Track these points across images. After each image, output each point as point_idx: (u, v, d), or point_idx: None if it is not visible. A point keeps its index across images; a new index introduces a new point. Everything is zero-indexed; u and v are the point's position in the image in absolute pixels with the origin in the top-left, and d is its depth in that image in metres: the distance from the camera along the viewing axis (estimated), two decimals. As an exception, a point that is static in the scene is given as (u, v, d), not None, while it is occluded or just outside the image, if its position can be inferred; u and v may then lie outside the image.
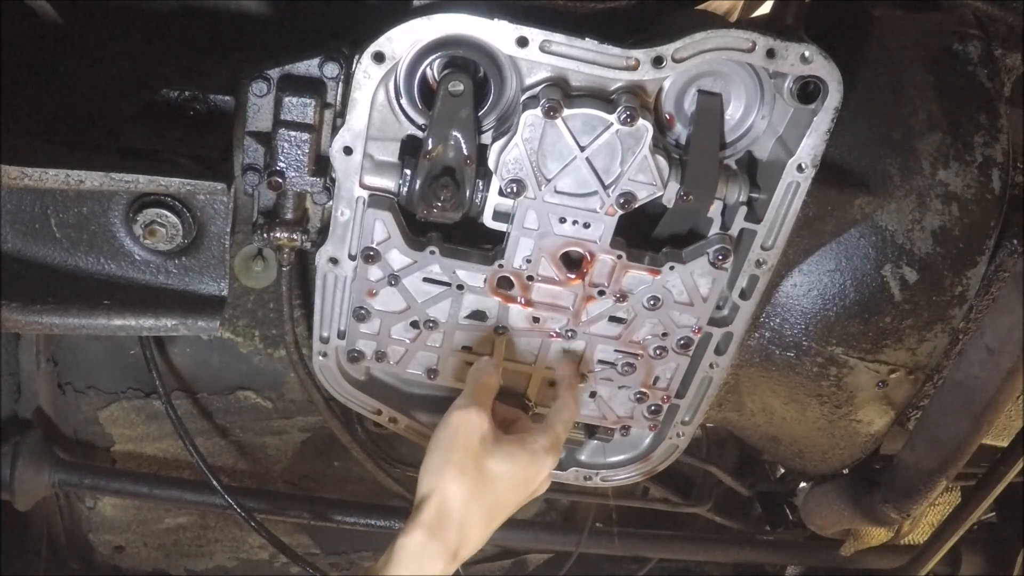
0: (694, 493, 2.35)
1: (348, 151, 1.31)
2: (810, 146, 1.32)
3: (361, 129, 1.30)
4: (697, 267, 1.41)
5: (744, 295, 1.47)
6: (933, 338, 1.52)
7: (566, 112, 1.26)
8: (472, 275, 1.42)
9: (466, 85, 1.26)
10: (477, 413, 1.29)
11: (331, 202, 1.39)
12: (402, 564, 1.18)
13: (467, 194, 1.34)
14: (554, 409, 1.42)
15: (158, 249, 1.42)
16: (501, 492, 1.27)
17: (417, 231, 1.40)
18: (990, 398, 1.49)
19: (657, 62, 1.25)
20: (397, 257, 1.40)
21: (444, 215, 1.35)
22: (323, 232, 1.43)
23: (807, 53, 1.25)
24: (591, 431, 1.66)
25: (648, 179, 1.32)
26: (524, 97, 1.29)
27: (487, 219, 1.38)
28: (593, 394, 1.58)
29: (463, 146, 1.31)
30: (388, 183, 1.35)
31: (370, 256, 1.39)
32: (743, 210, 1.38)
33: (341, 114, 1.34)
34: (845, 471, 1.84)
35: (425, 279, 1.43)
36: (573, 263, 1.42)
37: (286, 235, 1.43)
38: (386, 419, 1.62)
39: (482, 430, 1.27)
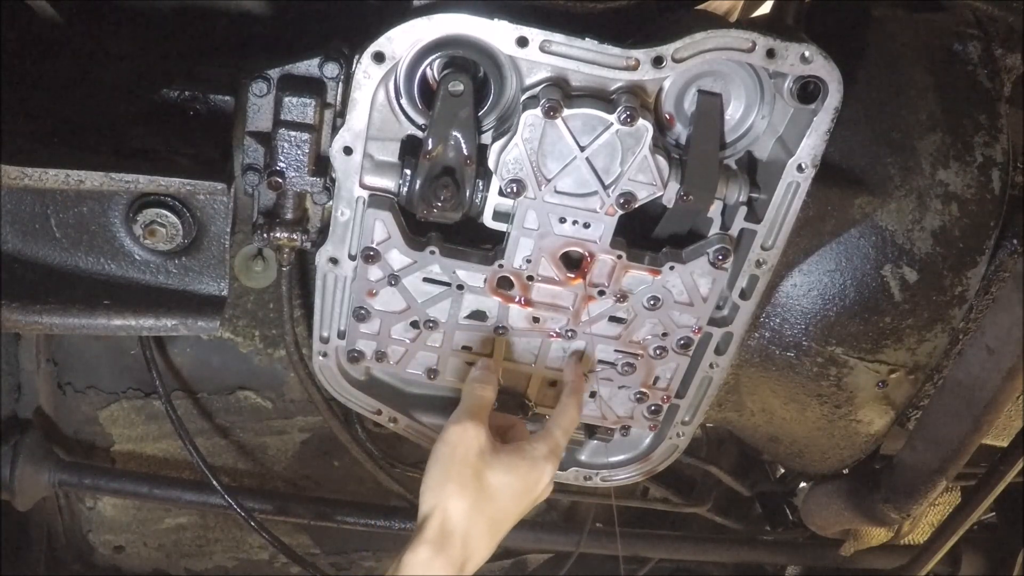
0: (694, 493, 2.35)
1: (348, 151, 1.31)
2: (810, 146, 1.32)
3: (361, 129, 1.30)
4: (697, 267, 1.41)
5: (744, 295, 1.47)
6: (933, 338, 1.52)
7: (566, 112, 1.26)
8: (472, 275, 1.42)
9: (466, 85, 1.26)
10: (473, 427, 1.29)
11: (331, 202, 1.39)
12: None
13: (467, 194, 1.34)
14: (555, 414, 1.42)
15: (158, 249, 1.42)
16: (502, 503, 1.28)
17: (417, 231, 1.40)
18: (990, 398, 1.49)
19: (657, 62, 1.25)
20: (397, 257, 1.40)
21: (444, 215, 1.35)
22: (323, 232, 1.43)
23: (807, 53, 1.25)
24: (591, 431, 1.66)
25: (648, 179, 1.32)
26: (524, 97, 1.29)
27: (487, 219, 1.38)
28: (593, 394, 1.58)
29: (463, 146, 1.31)
30: (388, 183, 1.35)
31: (370, 256, 1.39)
32: (743, 210, 1.38)
33: (341, 114, 1.34)
34: (845, 471, 1.84)
35: (425, 279, 1.43)
36: (573, 263, 1.42)
37: (286, 235, 1.43)
38: (386, 419, 1.62)
39: (479, 443, 1.28)
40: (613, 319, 1.48)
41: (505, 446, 1.33)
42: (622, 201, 1.34)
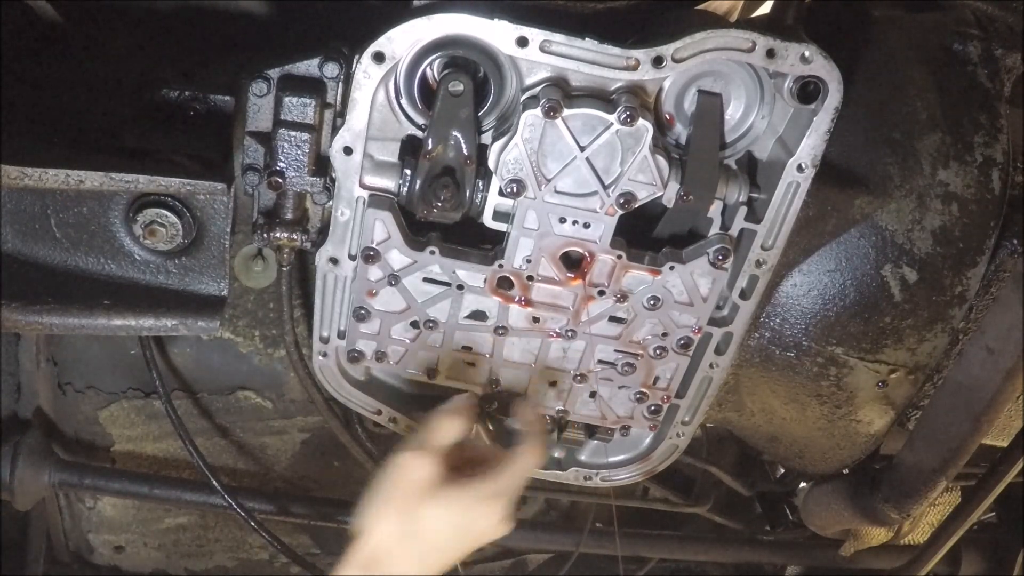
0: (694, 493, 2.35)
1: (348, 151, 1.31)
2: (810, 146, 1.32)
3: (361, 129, 1.30)
4: (697, 267, 1.41)
5: (744, 295, 1.47)
6: (933, 338, 1.52)
7: (566, 112, 1.26)
8: (472, 275, 1.42)
9: (466, 85, 1.26)
10: (423, 458, 1.26)
11: (331, 202, 1.39)
12: None
13: (467, 194, 1.34)
14: (510, 457, 1.35)
15: (158, 249, 1.42)
16: (435, 539, 1.25)
17: (417, 231, 1.40)
18: (990, 398, 1.49)
19: (657, 62, 1.25)
20: (397, 257, 1.40)
21: (444, 215, 1.35)
22: (323, 232, 1.43)
23: (807, 53, 1.25)
24: (591, 431, 1.66)
25: (648, 179, 1.32)
26: (524, 97, 1.29)
27: (487, 219, 1.38)
28: (593, 394, 1.58)
29: (463, 146, 1.31)
30: (388, 183, 1.35)
31: (370, 256, 1.39)
32: (743, 210, 1.38)
33: (341, 114, 1.34)
34: (845, 471, 1.84)
35: (425, 279, 1.43)
36: (573, 263, 1.42)
37: (286, 235, 1.43)
38: (386, 419, 1.62)
39: (423, 476, 1.25)
40: (613, 319, 1.48)
41: (452, 482, 1.28)
42: (622, 201, 1.34)
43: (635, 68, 1.25)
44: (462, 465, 1.31)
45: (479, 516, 1.28)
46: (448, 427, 1.33)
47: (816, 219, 1.46)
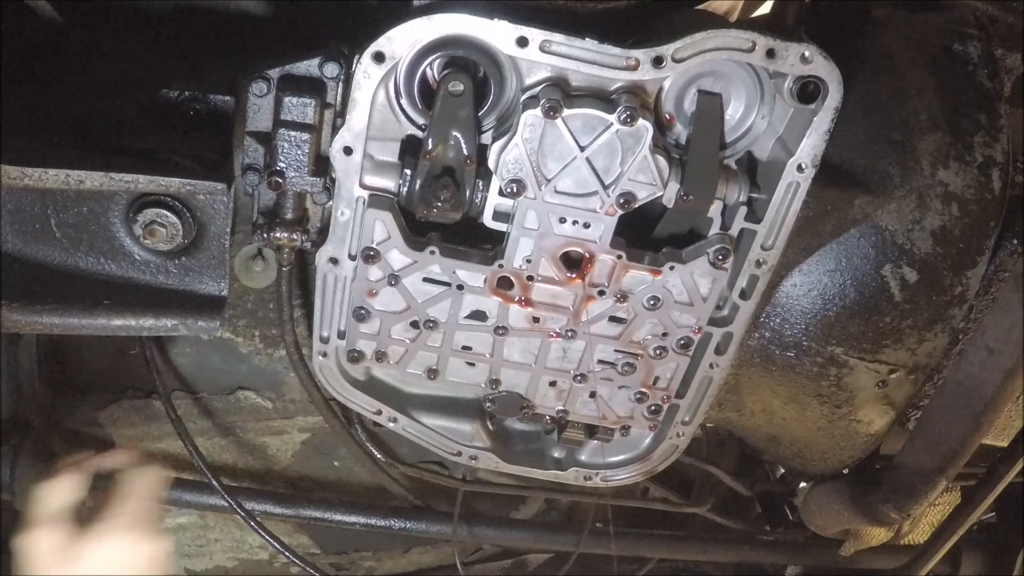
0: (694, 493, 2.35)
1: (348, 151, 1.31)
2: (810, 146, 1.32)
3: (361, 129, 1.30)
4: (697, 267, 1.41)
5: (744, 295, 1.47)
6: (933, 338, 1.52)
7: (566, 112, 1.26)
8: (472, 275, 1.42)
9: (466, 85, 1.26)
10: (41, 531, 1.26)
11: (331, 202, 1.39)
12: None
13: (467, 194, 1.34)
14: (126, 486, 1.33)
15: (158, 249, 1.42)
16: None
17: (417, 231, 1.40)
18: (990, 398, 1.49)
19: (657, 62, 1.25)
20: (397, 257, 1.40)
21: (444, 215, 1.35)
22: (323, 232, 1.43)
23: (807, 53, 1.25)
24: (591, 431, 1.66)
25: (648, 179, 1.32)
26: (524, 97, 1.29)
27: (487, 219, 1.38)
28: (593, 394, 1.58)
29: (463, 146, 1.31)
30: (388, 183, 1.35)
31: (370, 256, 1.39)
32: (743, 210, 1.38)
33: (341, 114, 1.34)
34: (845, 471, 1.84)
35: (425, 279, 1.43)
36: (573, 263, 1.42)
37: (286, 235, 1.43)
38: (386, 419, 1.62)
39: (49, 545, 1.25)
40: (613, 319, 1.48)
41: (85, 535, 1.27)
42: (622, 201, 1.34)
43: (635, 68, 1.25)
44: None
45: (124, 551, 1.27)
46: (54, 495, 1.31)
47: (816, 219, 1.46)
